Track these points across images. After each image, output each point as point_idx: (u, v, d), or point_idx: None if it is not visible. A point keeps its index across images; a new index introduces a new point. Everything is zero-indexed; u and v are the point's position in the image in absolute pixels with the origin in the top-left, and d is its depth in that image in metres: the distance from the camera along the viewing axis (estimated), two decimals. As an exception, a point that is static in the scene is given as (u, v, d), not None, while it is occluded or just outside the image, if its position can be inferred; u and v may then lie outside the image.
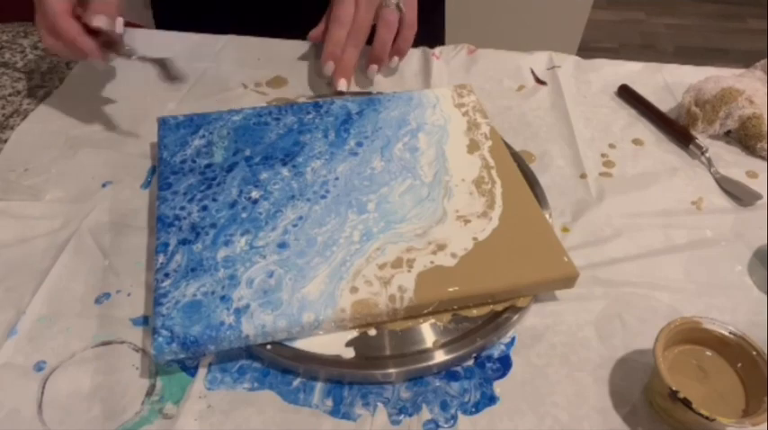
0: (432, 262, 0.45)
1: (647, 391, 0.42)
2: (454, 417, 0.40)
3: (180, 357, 0.41)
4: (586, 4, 1.65)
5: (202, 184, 0.50)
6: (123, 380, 0.41)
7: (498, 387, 0.42)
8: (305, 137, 0.55)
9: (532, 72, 0.70)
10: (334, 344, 0.43)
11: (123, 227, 0.51)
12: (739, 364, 0.41)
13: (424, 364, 0.42)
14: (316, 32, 0.67)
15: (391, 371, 0.42)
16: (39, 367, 0.42)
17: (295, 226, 0.47)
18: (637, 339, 0.45)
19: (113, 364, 0.42)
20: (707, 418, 0.36)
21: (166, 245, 0.46)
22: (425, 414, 0.41)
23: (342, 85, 0.63)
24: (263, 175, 0.51)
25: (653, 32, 2.36)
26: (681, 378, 0.39)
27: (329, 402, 0.41)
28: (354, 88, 0.67)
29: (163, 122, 0.56)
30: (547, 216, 0.52)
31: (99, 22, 0.53)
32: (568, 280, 0.46)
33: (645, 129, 0.64)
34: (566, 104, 0.66)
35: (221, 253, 0.45)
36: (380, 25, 0.64)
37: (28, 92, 0.65)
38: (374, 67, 0.66)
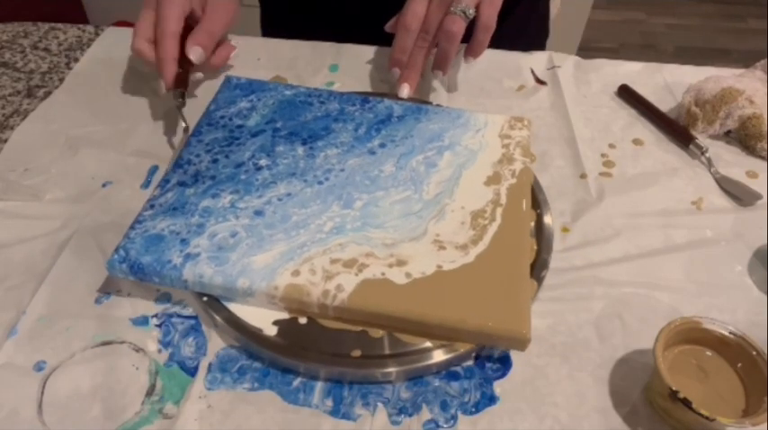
0: (383, 273, 0.44)
1: (647, 391, 0.42)
2: (454, 417, 0.40)
3: (128, 278, 0.45)
4: (586, 4, 1.65)
5: (225, 140, 0.54)
6: (123, 380, 0.41)
7: (498, 387, 0.42)
8: (337, 125, 0.56)
9: (532, 72, 0.70)
10: (262, 318, 0.44)
11: (123, 227, 0.51)
12: (739, 364, 0.41)
13: (424, 364, 0.42)
14: (391, 23, 0.64)
15: (391, 370, 0.41)
16: (39, 367, 0.42)
17: (280, 200, 0.49)
18: (637, 339, 0.45)
19: (113, 364, 0.42)
20: (707, 418, 0.36)
21: (167, 181, 0.50)
22: (425, 414, 0.41)
23: (404, 91, 0.61)
24: (279, 148, 0.54)
25: (653, 32, 2.37)
26: (681, 378, 0.39)
27: (329, 402, 0.41)
28: (355, 88, 0.66)
29: (226, 80, 0.61)
30: (548, 218, 0.52)
31: (194, 55, 0.60)
32: (519, 342, 0.42)
33: (645, 130, 0.64)
34: (566, 104, 0.66)
35: (204, 202, 0.48)
36: (441, 35, 0.60)
37: (28, 92, 0.65)
38: (438, 72, 0.63)
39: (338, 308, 0.43)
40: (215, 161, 0.52)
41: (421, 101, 0.63)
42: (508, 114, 0.60)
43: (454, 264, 0.45)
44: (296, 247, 0.45)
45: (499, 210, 0.49)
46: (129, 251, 0.44)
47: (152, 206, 0.48)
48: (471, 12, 0.59)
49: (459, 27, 0.59)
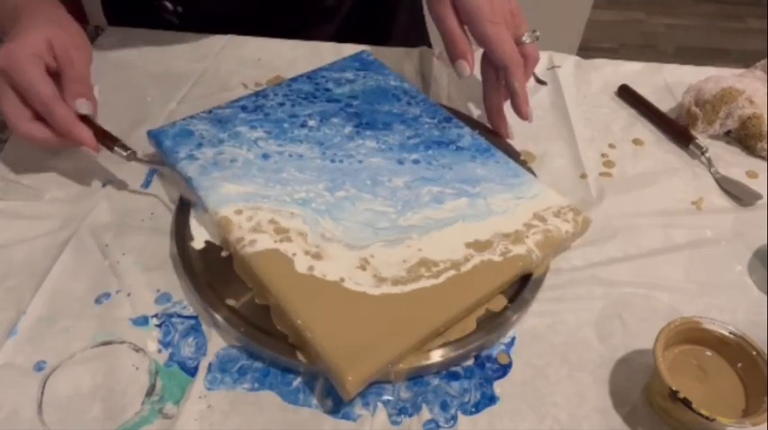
0: (294, 254, 0.44)
1: (647, 391, 0.42)
2: (454, 417, 0.40)
3: (155, 146, 0.54)
4: (586, 4, 1.65)
5: (304, 95, 0.59)
6: (123, 380, 0.41)
7: (498, 387, 0.42)
8: (399, 127, 0.57)
9: (532, 72, 0.70)
10: (201, 234, 0.50)
11: (123, 227, 0.51)
12: (739, 364, 0.41)
13: (424, 364, 0.42)
14: (467, 59, 0.57)
15: (391, 370, 0.41)
16: (39, 367, 0.42)
17: (290, 156, 0.52)
18: (637, 339, 0.45)
19: (113, 364, 0.42)
20: (707, 418, 0.36)
21: (238, 102, 0.58)
22: (425, 414, 0.41)
23: (511, 131, 0.61)
24: (335, 119, 0.57)
25: (653, 32, 2.37)
26: (681, 378, 0.39)
27: (329, 402, 0.41)
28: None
29: (360, 53, 0.65)
30: None
31: (83, 108, 0.51)
32: (341, 384, 0.38)
33: (645, 130, 0.64)
34: (566, 104, 0.66)
35: (240, 128, 0.55)
36: (529, 63, 0.59)
37: (28, 92, 0.64)
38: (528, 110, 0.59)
39: (241, 257, 0.45)
40: (281, 104, 0.57)
41: (498, 140, 0.59)
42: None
43: (357, 287, 0.43)
44: (259, 195, 0.49)
45: (449, 274, 0.44)
46: (165, 132, 0.54)
47: (210, 111, 0.56)
48: (538, 34, 0.59)
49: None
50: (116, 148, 0.52)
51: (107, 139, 0.52)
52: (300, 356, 0.41)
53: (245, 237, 0.45)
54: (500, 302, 0.46)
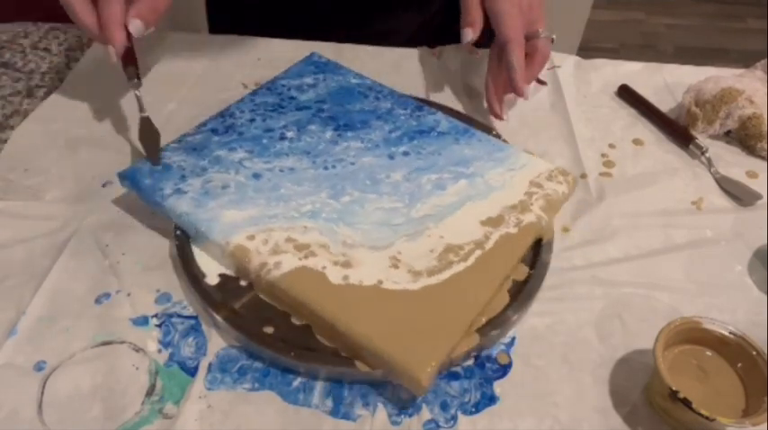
0: (324, 267, 0.44)
1: (647, 391, 0.42)
2: (454, 417, 0.40)
3: (131, 190, 0.50)
4: (586, 4, 1.65)
5: (272, 107, 0.57)
6: (123, 380, 0.41)
7: (498, 387, 0.42)
8: (377, 122, 0.57)
9: (539, 69, 0.70)
10: (212, 267, 0.47)
11: (123, 227, 0.51)
12: (739, 364, 0.41)
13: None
14: (470, 34, 0.60)
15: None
16: (39, 367, 0.42)
17: (282, 171, 0.51)
18: (637, 339, 0.45)
19: (113, 364, 0.42)
20: (707, 418, 0.36)
21: (205, 125, 0.55)
22: (425, 414, 0.41)
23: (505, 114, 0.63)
24: (312, 127, 0.55)
25: (653, 32, 2.37)
26: (681, 378, 0.39)
27: (329, 402, 0.41)
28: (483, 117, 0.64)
29: (310, 56, 0.64)
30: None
31: (133, 27, 0.52)
32: (415, 384, 0.39)
33: (645, 129, 0.64)
34: (566, 104, 0.66)
35: (220, 152, 0.52)
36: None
37: (28, 92, 0.64)
38: (511, 96, 0.63)
39: (269, 282, 0.44)
40: (252, 120, 0.55)
41: (471, 120, 0.61)
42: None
43: (396, 286, 0.43)
44: (266, 216, 0.47)
45: (477, 253, 0.45)
46: (138, 169, 0.50)
47: (180, 140, 0.53)
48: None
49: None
50: (129, 68, 0.55)
51: (129, 60, 0.55)
52: (360, 366, 0.41)
53: (268, 261, 0.44)
54: (503, 299, 0.46)
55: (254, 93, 0.59)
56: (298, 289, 0.43)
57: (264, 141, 0.53)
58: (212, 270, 0.47)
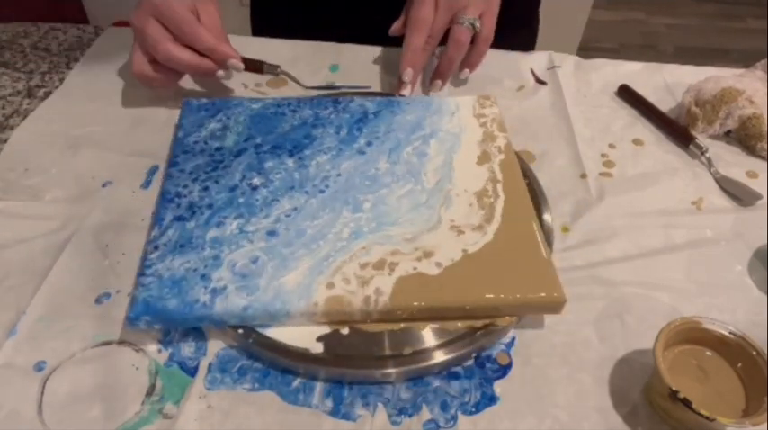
0: (414, 268, 0.44)
1: (647, 391, 0.42)
2: (454, 418, 0.40)
3: (153, 327, 0.43)
4: (586, 4, 1.65)
5: (209, 166, 0.52)
6: (123, 380, 0.41)
7: (498, 387, 0.42)
8: (317, 131, 0.56)
9: (532, 72, 0.70)
10: (305, 337, 0.43)
11: (123, 227, 0.51)
12: (739, 364, 0.41)
13: (424, 364, 0.42)
14: (397, 26, 0.65)
15: (391, 371, 0.41)
16: (39, 367, 0.42)
17: (288, 216, 0.48)
18: (637, 339, 0.45)
19: (113, 364, 0.42)
20: (707, 418, 0.36)
21: (162, 219, 0.47)
22: (425, 414, 0.41)
23: (407, 90, 0.63)
24: (269, 164, 0.52)
25: (653, 32, 2.37)
26: (681, 378, 0.39)
27: (329, 402, 0.41)
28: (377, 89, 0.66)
29: (186, 104, 0.58)
30: (548, 218, 0.53)
31: (232, 63, 0.59)
32: (555, 306, 0.44)
33: (645, 129, 0.64)
34: (566, 104, 0.66)
35: (211, 233, 0.47)
36: (450, 44, 0.62)
37: (28, 92, 0.64)
38: (438, 82, 0.65)
39: (382, 311, 0.42)
40: (206, 189, 0.50)
41: (387, 94, 0.63)
42: (508, 114, 0.61)
43: (477, 246, 0.46)
44: (321, 260, 0.45)
45: (499, 186, 0.51)
46: (149, 299, 0.42)
47: (156, 247, 0.45)
48: (478, 25, 0.61)
49: (467, 38, 0.62)
50: (264, 66, 0.61)
51: (251, 64, 0.60)
52: (500, 321, 0.44)
53: (368, 294, 0.43)
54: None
55: (174, 164, 0.52)
56: (412, 299, 0.43)
57: (241, 200, 0.49)
58: (307, 339, 0.43)
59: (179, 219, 0.48)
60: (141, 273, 0.44)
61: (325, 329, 0.43)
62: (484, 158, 0.54)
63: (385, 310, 0.42)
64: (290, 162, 0.53)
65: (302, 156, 0.53)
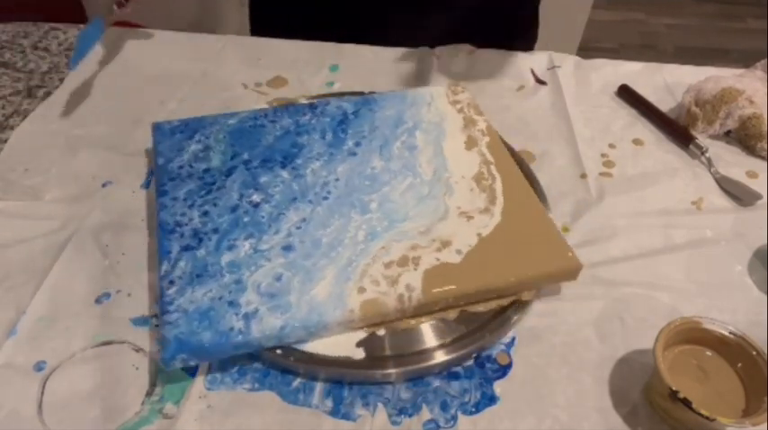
0: (437, 259, 0.45)
1: (647, 391, 0.42)
2: (454, 417, 0.40)
3: (189, 364, 0.41)
4: (586, 4, 1.65)
5: (202, 190, 0.50)
6: (123, 380, 0.41)
7: (498, 387, 0.42)
8: (302, 138, 0.55)
9: (532, 72, 0.70)
10: (343, 345, 0.43)
11: (123, 227, 0.51)
12: (739, 364, 0.41)
13: (425, 364, 0.42)
14: None
15: (391, 371, 0.42)
16: (39, 367, 0.42)
17: (299, 228, 0.47)
18: (637, 339, 0.45)
19: (113, 364, 0.42)
20: (707, 418, 0.36)
21: (169, 252, 0.45)
22: (425, 414, 0.41)
23: None
24: (264, 179, 0.51)
25: (653, 32, 2.36)
26: (681, 378, 0.39)
27: (329, 402, 0.41)
28: (355, 88, 0.66)
29: (157, 128, 0.55)
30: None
31: None
32: (572, 272, 0.46)
33: (645, 129, 0.64)
34: (566, 104, 0.66)
35: (225, 257, 0.45)
36: None
37: (28, 92, 0.65)
38: None
39: (416, 306, 0.43)
40: (205, 214, 0.48)
41: (359, 93, 0.64)
42: (508, 114, 0.61)
43: (489, 228, 0.48)
44: (345, 266, 0.44)
45: (493, 167, 0.53)
46: (181, 336, 0.40)
47: (171, 282, 0.43)
48: None
49: None
50: None
51: None
52: (524, 294, 0.46)
53: (401, 292, 0.43)
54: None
55: (163, 193, 0.49)
56: (443, 289, 0.44)
57: (246, 219, 0.47)
58: (346, 346, 0.43)
59: (187, 248, 0.45)
60: (163, 311, 0.41)
61: (361, 334, 0.43)
62: (471, 143, 0.56)
63: (419, 305, 0.43)
64: (285, 173, 0.52)
65: (295, 166, 0.52)
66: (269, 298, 0.42)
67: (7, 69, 0.67)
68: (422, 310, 0.44)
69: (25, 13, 0.78)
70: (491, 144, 0.56)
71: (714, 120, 0.62)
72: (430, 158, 0.54)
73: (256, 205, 0.49)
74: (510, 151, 0.56)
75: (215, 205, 0.49)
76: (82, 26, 0.74)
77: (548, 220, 0.49)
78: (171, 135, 0.55)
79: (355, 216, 0.48)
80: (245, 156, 0.53)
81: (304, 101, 0.63)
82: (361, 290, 0.43)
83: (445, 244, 0.46)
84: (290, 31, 0.73)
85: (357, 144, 0.55)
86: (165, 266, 0.44)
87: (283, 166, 0.52)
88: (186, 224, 0.47)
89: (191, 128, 0.55)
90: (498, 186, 0.51)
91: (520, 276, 0.45)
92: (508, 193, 0.51)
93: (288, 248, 0.46)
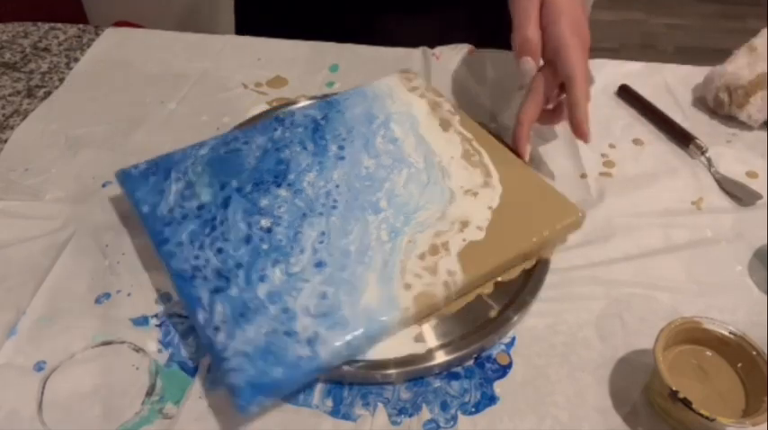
0: (463, 239, 0.47)
1: (647, 391, 0.42)
2: (454, 418, 0.40)
3: (267, 405, 0.40)
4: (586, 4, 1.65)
5: (205, 227, 0.47)
6: (123, 380, 0.41)
7: (498, 387, 0.42)
8: (285, 153, 0.54)
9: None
10: (403, 345, 0.43)
11: (123, 227, 0.51)
12: (739, 364, 0.41)
13: (424, 365, 0.42)
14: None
15: (391, 371, 0.42)
16: (39, 367, 0.42)
17: (321, 242, 0.46)
18: (637, 339, 0.45)
19: (113, 364, 0.42)
20: (707, 418, 0.36)
21: (199, 299, 0.43)
22: (425, 414, 0.41)
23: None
24: (264, 202, 0.49)
25: (653, 32, 2.37)
26: (681, 378, 0.39)
27: (329, 402, 0.41)
28: (319, 92, 0.65)
29: (125, 175, 0.51)
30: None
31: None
32: (579, 221, 0.50)
33: (645, 130, 0.64)
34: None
35: (261, 289, 0.43)
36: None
37: (28, 92, 0.65)
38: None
39: (460, 289, 0.45)
40: (220, 251, 0.45)
41: (311, 97, 0.64)
42: (508, 114, 0.60)
43: (496, 200, 0.50)
44: (382, 268, 0.44)
45: (475, 143, 0.55)
46: (252, 380, 0.38)
47: (216, 329, 0.41)
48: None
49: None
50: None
51: None
52: (544, 253, 0.49)
53: (445, 279, 0.44)
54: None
55: (163, 242, 0.46)
56: (480, 267, 0.46)
57: (265, 247, 0.46)
58: (407, 345, 0.43)
59: (217, 291, 0.43)
60: (220, 359, 0.39)
61: (416, 328, 0.44)
62: (445, 124, 0.57)
63: (462, 287, 0.45)
64: (283, 192, 0.50)
65: (290, 182, 0.51)
66: (323, 318, 0.41)
67: (7, 69, 0.67)
68: (464, 291, 0.46)
69: (25, 13, 0.78)
70: (463, 121, 0.57)
71: (744, 104, 0.62)
72: (415, 146, 0.55)
73: (269, 230, 0.47)
74: (481, 125, 0.58)
75: (226, 240, 0.46)
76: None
77: (540, 179, 0.52)
78: (144, 179, 0.51)
79: (370, 217, 0.48)
80: (234, 183, 0.51)
81: (304, 101, 0.63)
82: (408, 286, 0.44)
83: (464, 224, 0.48)
84: (278, 28, 0.73)
85: (341, 147, 0.54)
86: (201, 315, 0.42)
87: (278, 185, 0.51)
88: (205, 266, 0.45)
89: (162, 167, 0.52)
90: (487, 159, 0.53)
91: (539, 236, 0.48)
92: (497, 164, 0.53)
93: (320, 265, 0.45)
